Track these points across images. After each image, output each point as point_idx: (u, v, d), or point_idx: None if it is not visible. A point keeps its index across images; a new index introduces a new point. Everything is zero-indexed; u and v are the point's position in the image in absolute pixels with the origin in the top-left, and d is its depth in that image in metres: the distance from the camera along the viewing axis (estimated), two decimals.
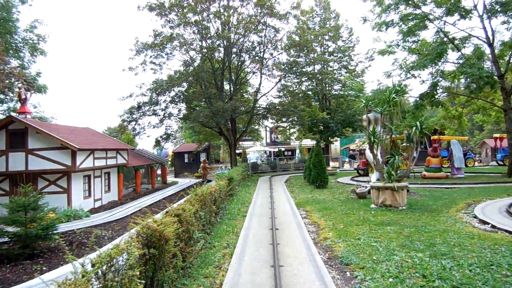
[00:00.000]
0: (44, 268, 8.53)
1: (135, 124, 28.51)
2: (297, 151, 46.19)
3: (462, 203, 12.26)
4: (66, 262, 8.68)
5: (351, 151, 49.51)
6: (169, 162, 49.38)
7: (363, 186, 14.40)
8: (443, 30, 18.97)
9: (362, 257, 6.75)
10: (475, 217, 10.03)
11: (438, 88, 19.19)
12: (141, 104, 28.08)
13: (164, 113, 29.71)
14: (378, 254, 6.85)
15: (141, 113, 28.75)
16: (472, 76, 16.11)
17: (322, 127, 36.14)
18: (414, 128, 11.41)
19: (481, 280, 5.40)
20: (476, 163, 33.94)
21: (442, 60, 18.33)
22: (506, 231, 8.24)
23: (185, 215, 6.43)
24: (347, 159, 41.97)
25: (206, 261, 7.09)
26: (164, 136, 30.21)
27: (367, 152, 14.98)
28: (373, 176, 14.75)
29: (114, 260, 3.83)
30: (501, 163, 30.53)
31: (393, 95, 11.99)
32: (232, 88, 29.74)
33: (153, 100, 28.35)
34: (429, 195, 14.22)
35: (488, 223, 9.08)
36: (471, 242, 7.38)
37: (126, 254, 4.08)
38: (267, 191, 19.05)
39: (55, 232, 10.13)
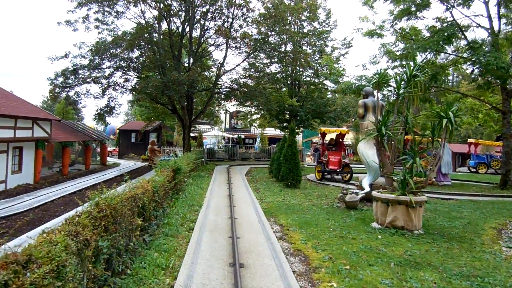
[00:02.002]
0: None
1: (68, 91, 23.29)
2: (258, 139, 42.53)
3: (487, 226, 9.15)
4: None
5: (314, 144, 46.66)
6: (114, 140, 44.09)
7: (353, 192, 10.93)
8: (450, 9, 15.74)
9: None
10: None
11: (436, 80, 16.10)
12: (77, 67, 22.88)
13: (108, 82, 24.68)
14: None
15: (80, 79, 23.55)
16: (487, 66, 13.11)
17: (288, 116, 32.70)
18: (445, 120, 7.99)
19: None
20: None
21: (449, 45, 15.22)
22: None
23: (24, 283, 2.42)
24: (309, 153, 39.00)
25: None
26: (106, 109, 25.14)
27: (361, 148, 11.50)
28: (366, 181, 11.32)
29: None
30: (473, 170, 28.77)
31: (416, 72, 8.50)
32: (191, 61, 25.25)
33: (95, 63, 23.24)
34: (433, 210, 11.06)
35: None
36: None
37: None
38: (225, 186, 15.18)
39: None
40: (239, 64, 26.04)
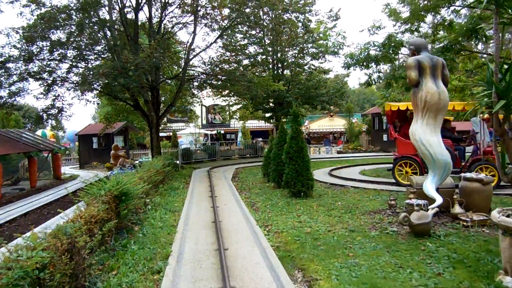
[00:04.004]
0: None
1: None
2: (239, 134, 38.07)
3: None
4: None
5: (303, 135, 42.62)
6: (75, 147, 38.79)
7: (418, 205, 6.68)
8: None
9: None
10: None
11: (477, 36, 12.24)
12: (5, 59, 17.74)
13: (54, 77, 19.54)
14: None
15: (14, 75, 18.49)
16: None
17: (272, 104, 28.26)
18: None
19: None
20: None
21: None
22: None
23: None
24: None
25: None
26: (52, 110, 19.98)
27: (418, 133, 7.26)
28: (430, 184, 7.09)
29: None
30: None
31: None
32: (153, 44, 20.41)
33: (30, 53, 18.13)
34: None
35: None
36: None
37: None
38: (207, 203, 10.73)
39: None
40: (212, 43, 21.40)
